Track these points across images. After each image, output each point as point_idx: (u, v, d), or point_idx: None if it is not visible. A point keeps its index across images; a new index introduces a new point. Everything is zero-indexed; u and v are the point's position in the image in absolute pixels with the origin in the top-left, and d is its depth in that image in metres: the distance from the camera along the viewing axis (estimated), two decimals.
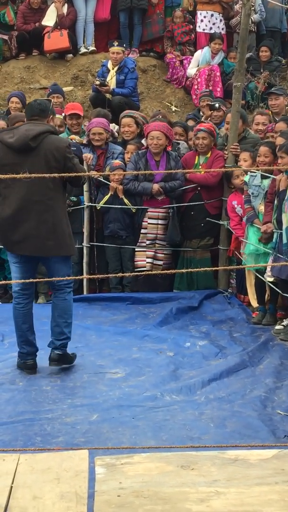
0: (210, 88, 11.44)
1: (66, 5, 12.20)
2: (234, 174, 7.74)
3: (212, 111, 9.62)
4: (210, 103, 9.75)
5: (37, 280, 6.07)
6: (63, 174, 4.97)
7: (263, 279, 7.11)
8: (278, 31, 12.95)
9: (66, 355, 6.03)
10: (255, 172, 7.30)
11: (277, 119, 8.71)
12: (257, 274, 7.23)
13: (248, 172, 7.39)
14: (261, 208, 7.23)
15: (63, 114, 9.26)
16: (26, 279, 5.69)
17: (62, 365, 5.99)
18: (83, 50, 12.57)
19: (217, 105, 9.52)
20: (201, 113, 10.23)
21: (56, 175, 4.80)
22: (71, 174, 5.31)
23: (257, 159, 7.29)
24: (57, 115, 8.70)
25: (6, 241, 5.86)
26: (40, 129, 5.64)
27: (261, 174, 7.26)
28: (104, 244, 8.17)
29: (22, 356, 5.98)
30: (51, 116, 5.90)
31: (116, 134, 9.34)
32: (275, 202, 6.89)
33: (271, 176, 7.09)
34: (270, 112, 9.60)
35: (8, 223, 5.68)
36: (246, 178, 7.44)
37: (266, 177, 7.22)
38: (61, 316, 5.95)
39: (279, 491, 2.69)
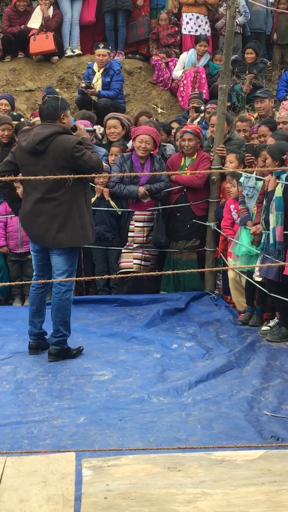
0: (196, 90, 11.47)
1: (51, 8, 12.19)
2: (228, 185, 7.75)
3: (197, 113, 9.64)
4: (195, 105, 9.76)
5: (24, 282, 6.23)
6: (63, 176, 5.08)
7: (250, 280, 7.12)
8: (263, 33, 13.00)
9: (65, 351, 6.28)
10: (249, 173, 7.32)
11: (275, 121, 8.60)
12: (245, 276, 7.24)
13: (243, 173, 7.41)
14: (256, 209, 7.25)
15: None
16: (40, 267, 6.31)
17: (60, 360, 6.22)
18: (69, 53, 12.57)
19: (202, 107, 9.53)
20: (190, 114, 10.24)
21: (55, 176, 4.87)
22: (68, 176, 5.46)
23: (262, 164, 7.24)
24: None
25: (28, 233, 6.39)
26: (47, 132, 5.94)
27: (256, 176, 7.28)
28: (91, 246, 8.15)
29: (29, 335, 6.42)
30: (62, 113, 6.10)
31: (100, 136, 9.34)
32: (264, 202, 6.91)
33: (263, 178, 7.11)
34: (255, 115, 9.61)
35: (27, 218, 6.19)
36: (241, 179, 7.44)
37: (261, 179, 7.23)
38: (56, 314, 6.24)
39: (265, 491, 2.70)
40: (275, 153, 6.73)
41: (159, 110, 12.12)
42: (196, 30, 12.37)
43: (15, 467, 2.90)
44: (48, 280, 6.20)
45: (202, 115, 9.70)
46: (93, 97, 10.67)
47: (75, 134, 6.26)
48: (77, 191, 6.04)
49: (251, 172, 7.23)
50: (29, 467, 2.91)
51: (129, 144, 8.43)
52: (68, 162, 5.89)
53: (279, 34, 13.02)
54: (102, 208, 8.07)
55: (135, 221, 8.08)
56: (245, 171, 7.31)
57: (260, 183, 7.22)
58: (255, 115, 9.68)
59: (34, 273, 6.45)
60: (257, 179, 7.26)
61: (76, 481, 2.82)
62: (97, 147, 8.50)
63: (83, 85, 10.71)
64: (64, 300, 6.19)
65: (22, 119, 9.57)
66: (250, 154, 7.51)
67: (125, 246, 8.13)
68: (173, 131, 9.49)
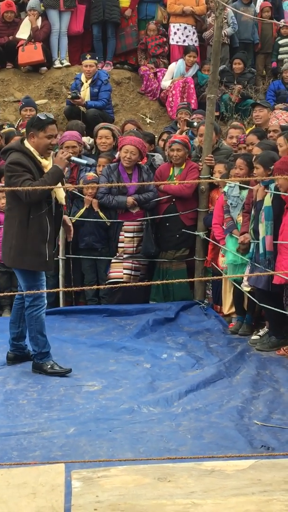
0: (185, 100, 11.50)
1: (40, 19, 12.21)
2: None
3: (188, 127, 9.60)
4: (188, 119, 9.69)
5: (13, 293, 6.23)
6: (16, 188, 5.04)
7: (241, 288, 7.13)
8: (251, 43, 13.06)
9: (39, 365, 6.18)
10: (233, 183, 7.35)
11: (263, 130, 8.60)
12: (235, 284, 7.26)
13: (227, 183, 7.44)
14: (240, 218, 7.28)
15: None
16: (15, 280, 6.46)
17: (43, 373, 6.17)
18: (57, 64, 12.59)
19: (195, 123, 9.41)
20: (178, 125, 10.24)
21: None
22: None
23: (233, 171, 7.34)
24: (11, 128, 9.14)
25: None
26: (8, 146, 6.28)
27: (240, 185, 7.31)
28: (81, 257, 8.15)
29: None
30: (31, 132, 5.96)
31: (89, 146, 9.34)
32: (252, 212, 6.93)
33: (249, 187, 7.14)
34: (243, 125, 9.64)
35: None
36: (225, 188, 7.48)
37: (245, 188, 7.26)
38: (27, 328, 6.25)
39: (255, 501, 2.69)
40: (268, 162, 6.70)
41: (148, 120, 12.14)
42: (184, 41, 12.40)
43: (5, 479, 2.89)
44: (15, 292, 6.29)
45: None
46: (82, 108, 10.68)
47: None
48: (18, 210, 5.96)
49: (246, 182, 7.23)
50: (18, 479, 2.89)
51: (116, 154, 8.43)
52: (5, 178, 6.09)
53: (263, 43, 13.11)
54: (91, 219, 8.06)
55: (125, 231, 8.08)
56: (233, 181, 7.33)
57: (244, 193, 7.26)
58: (242, 126, 9.64)
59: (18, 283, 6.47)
60: (240, 188, 7.29)
61: (66, 493, 2.80)
62: (86, 157, 8.51)
63: (69, 96, 10.73)
64: (28, 315, 6.11)
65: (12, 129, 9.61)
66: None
67: (115, 257, 8.12)
68: (162, 143, 9.50)
